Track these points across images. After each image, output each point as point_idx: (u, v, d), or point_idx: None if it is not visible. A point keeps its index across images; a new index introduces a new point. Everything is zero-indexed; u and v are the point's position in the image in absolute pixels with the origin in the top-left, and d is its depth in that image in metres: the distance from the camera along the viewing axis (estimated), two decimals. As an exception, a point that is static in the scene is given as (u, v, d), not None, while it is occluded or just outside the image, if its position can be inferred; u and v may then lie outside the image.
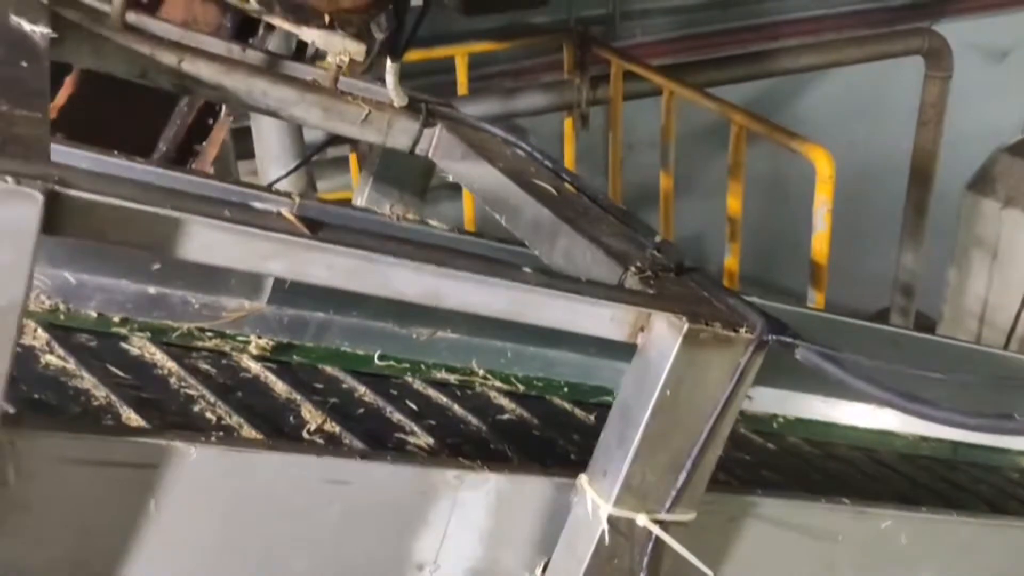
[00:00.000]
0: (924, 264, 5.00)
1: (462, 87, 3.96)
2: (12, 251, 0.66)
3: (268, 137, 2.82)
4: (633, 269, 1.06)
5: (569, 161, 4.28)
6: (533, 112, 4.10)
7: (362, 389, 1.42)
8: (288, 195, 1.60)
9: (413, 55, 3.71)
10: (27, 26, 1.04)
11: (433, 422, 1.36)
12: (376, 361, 1.62)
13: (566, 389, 1.81)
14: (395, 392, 1.46)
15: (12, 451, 0.73)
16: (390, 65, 1.39)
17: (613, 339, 1.00)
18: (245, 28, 1.93)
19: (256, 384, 1.34)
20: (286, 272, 0.82)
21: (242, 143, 3.24)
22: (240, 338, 1.53)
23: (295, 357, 1.54)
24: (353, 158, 3.70)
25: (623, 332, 1.00)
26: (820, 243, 2.72)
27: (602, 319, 0.98)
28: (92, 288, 1.42)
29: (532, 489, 1.06)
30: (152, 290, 1.47)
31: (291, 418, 1.23)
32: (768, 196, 5.24)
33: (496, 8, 3.95)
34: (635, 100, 4.08)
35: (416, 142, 1.50)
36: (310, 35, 1.33)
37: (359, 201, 1.75)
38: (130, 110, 1.87)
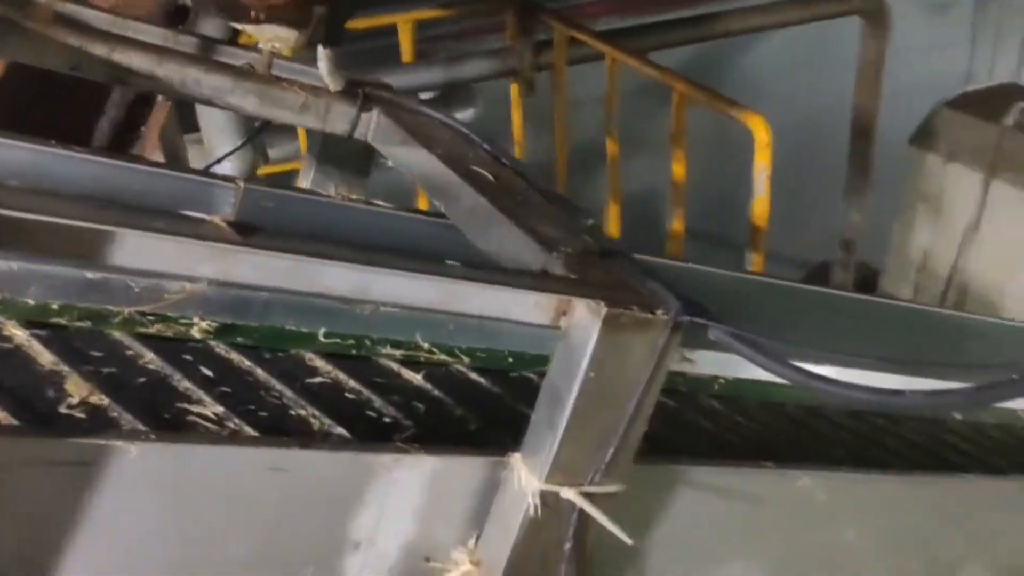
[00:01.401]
0: (869, 217, 5.11)
1: (406, 54, 3.94)
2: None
3: (212, 111, 2.80)
4: (557, 255, 1.11)
5: (517, 127, 4.30)
6: (478, 79, 4.10)
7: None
8: (232, 180, 1.61)
9: (356, 23, 3.68)
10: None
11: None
12: (321, 338, 1.65)
13: (510, 360, 1.86)
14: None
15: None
16: (323, 51, 1.40)
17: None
18: (179, 10, 1.92)
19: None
20: (218, 275, 0.85)
21: (190, 115, 3.21)
22: (183, 320, 1.55)
23: (239, 338, 1.57)
24: (301, 129, 3.68)
25: (547, 317, 1.05)
26: (760, 207, 2.79)
27: (526, 306, 1.03)
28: (29, 275, 1.41)
29: (466, 467, 1.11)
30: (91, 275, 1.47)
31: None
32: (718, 153, 5.31)
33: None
34: (588, 63, 4.11)
35: (354, 127, 1.52)
36: (241, 25, 1.34)
37: (304, 184, 1.78)
38: (67, 94, 1.86)
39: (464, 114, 4.94)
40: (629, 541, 1.07)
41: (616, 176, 3.58)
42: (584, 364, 1.02)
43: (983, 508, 1.60)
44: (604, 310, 1.01)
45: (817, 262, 5.77)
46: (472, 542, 1.15)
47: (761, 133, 2.62)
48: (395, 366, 1.66)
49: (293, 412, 1.29)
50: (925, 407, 0.86)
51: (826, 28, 4.94)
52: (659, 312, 1.04)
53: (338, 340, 1.66)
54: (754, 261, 2.95)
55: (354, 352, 1.65)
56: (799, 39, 5.24)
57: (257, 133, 2.82)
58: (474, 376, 1.71)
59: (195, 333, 1.53)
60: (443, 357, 1.80)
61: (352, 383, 1.46)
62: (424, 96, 4.93)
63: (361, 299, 0.91)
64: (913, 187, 4.84)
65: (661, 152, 3.86)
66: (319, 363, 1.55)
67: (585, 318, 1.03)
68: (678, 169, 3.10)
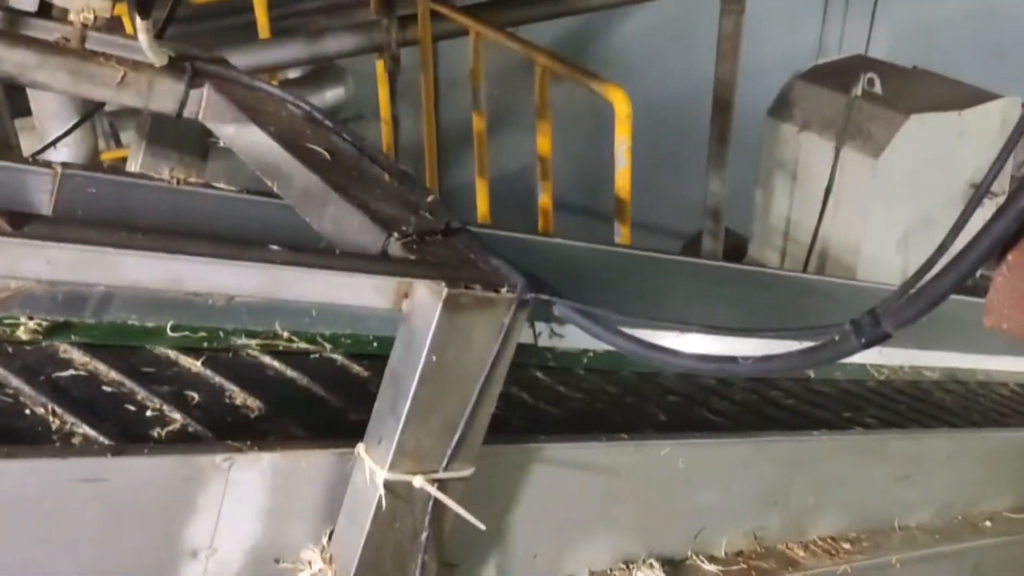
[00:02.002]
0: (735, 187, 5.25)
1: (263, 30, 3.78)
2: None
3: (43, 93, 2.60)
4: (397, 235, 1.06)
5: (384, 103, 4.20)
6: (343, 55, 3.98)
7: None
8: (49, 165, 1.49)
9: (206, -3, 3.50)
10: None
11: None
12: (169, 332, 1.55)
13: (375, 344, 1.80)
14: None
15: None
16: (140, 23, 1.30)
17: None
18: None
19: None
20: (4, 271, 0.77)
21: (23, 100, 2.98)
22: (7, 321, 1.43)
23: (73, 337, 1.46)
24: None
25: (387, 301, 1.00)
26: (623, 179, 2.80)
27: (363, 290, 0.98)
28: None
29: (310, 462, 1.06)
30: None
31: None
32: (590, 126, 5.35)
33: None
34: (456, 38, 4.04)
35: (183, 105, 1.42)
36: (47, -8, 1.22)
37: (133, 167, 1.66)
38: None
39: (334, 92, 4.80)
40: (481, 526, 1.04)
41: (483, 152, 3.54)
42: (426, 347, 0.98)
43: (830, 460, 1.66)
44: (445, 291, 0.97)
45: (690, 234, 5.92)
46: (324, 539, 1.11)
47: (621, 105, 2.63)
48: (252, 356, 1.59)
49: (133, 408, 1.21)
50: (757, 372, 0.86)
51: (689, 4, 5.04)
52: (503, 290, 1.01)
53: (188, 333, 1.57)
54: (622, 233, 2.97)
55: (206, 345, 1.56)
56: (665, 16, 5.32)
57: (88, 115, 2.63)
58: (339, 362, 1.66)
59: (21, 334, 1.42)
60: (304, 345, 1.73)
61: (206, 375, 1.39)
62: (293, 75, 4.76)
63: (175, 289, 0.83)
64: (771, 156, 4.99)
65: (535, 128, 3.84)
66: (171, 354, 1.46)
67: (425, 300, 0.99)
68: (543, 143, 3.09)
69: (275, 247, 0.88)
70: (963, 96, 4.47)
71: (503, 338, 1.02)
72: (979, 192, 0.74)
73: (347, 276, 0.95)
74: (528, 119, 4.58)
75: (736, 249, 5.63)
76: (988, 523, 1.98)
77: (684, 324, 0.97)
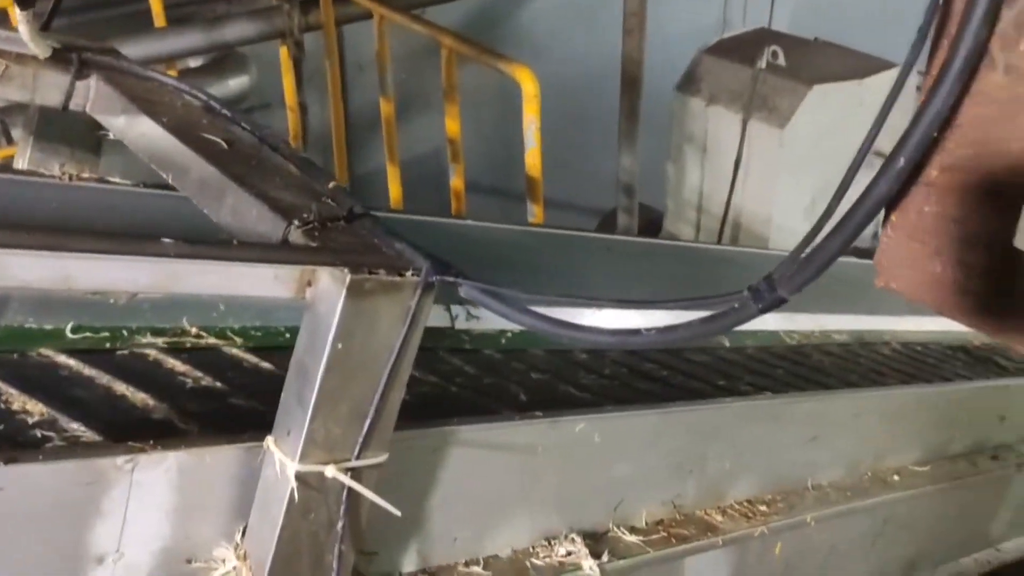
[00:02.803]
0: (648, 162, 5.32)
1: (158, 18, 3.66)
2: None
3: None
4: (298, 222, 1.04)
5: (289, 91, 4.11)
6: (243, 42, 3.87)
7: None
8: (-75, 165, 1.42)
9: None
10: None
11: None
12: (69, 334, 1.50)
13: (287, 335, 1.77)
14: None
15: None
16: (20, 13, 1.24)
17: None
18: None
19: None
20: None
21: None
22: None
23: (-35, 342, 1.39)
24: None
25: (289, 290, 0.98)
26: (533, 159, 2.81)
27: (264, 280, 0.96)
28: None
29: (218, 458, 1.04)
30: None
31: None
32: (501, 107, 5.34)
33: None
34: (361, 21, 3.97)
35: (69, 97, 1.36)
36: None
37: (21, 163, 1.59)
38: None
39: (238, 81, 4.68)
40: (397, 512, 1.04)
41: (392, 137, 3.50)
42: (331, 335, 0.97)
43: (742, 425, 1.70)
44: (348, 277, 0.96)
45: (606, 210, 5.98)
46: (238, 536, 1.08)
47: (528, 85, 2.63)
48: (158, 355, 1.55)
49: (28, 414, 1.16)
50: (660, 343, 0.87)
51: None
52: (408, 274, 1.00)
53: (89, 334, 1.51)
54: (535, 212, 2.98)
55: (109, 346, 1.51)
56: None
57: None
58: (250, 357, 1.63)
59: (-94, 342, 1.34)
60: (213, 340, 1.69)
61: (108, 377, 1.34)
62: (194, 64, 4.62)
63: (64, 288, 0.80)
64: (680, 131, 5.07)
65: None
66: (62, 359, 1.42)
67: (329, 287, 0.97)
68: (452, 126, 3.07)
69: (168, 240, 0.85)
70: (863, 66, 4.60)
71: (410, 322, 1.01)
72: (858, 158, 0.76)
73: (246, 266, 0.93)
74: (439, 102, 4.56)
75: (651, 223, 5.71)
76: (896, 477, 2.06)
77: (590, 299, 0.98)
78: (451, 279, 1.00)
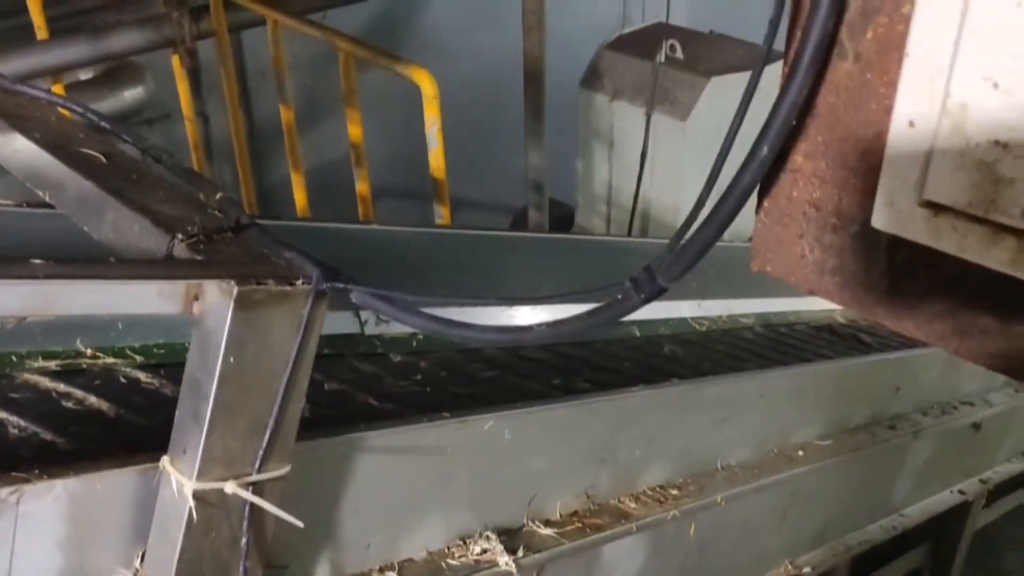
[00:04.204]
0: (559, 157, 5.36)
1: (40, 30, 3.52)
2: None
3: None
4: (182, 236, 1.02)
5: (185, 101, 4.01)
6: (132, 52, 3.75)
7: None
8: None
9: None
10: None
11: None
12: (-48, 361, 1.44)
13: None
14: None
15: None
16: None
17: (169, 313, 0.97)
18: None
19: None
20: None
21: None
22: None
23: None
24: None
25: (175, 305, 0.96)
26: (436, 160, 2.81)
27: (148, 297, 0.94)
28: None
29: (111, 483, 1.01)
30: None
31: None
32: (406, 110, 5.30)
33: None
34: (257, 27, 3.90)
35: (-65, 116, 1.30)
36: None
37: None
38: None
39: (133, 92, 4.54)
40: (299, 524, 1.03)
41: (295, 144, 3.45)
42: (222, 349, 0.95)
43: (651, 413, 1.73)
44: (235, 289, 0.94)
45: (519, 208, 6.01)
46: (137, 561, 1.06)
47: (427, 87, 2.62)
48: (47, 380, 1.50)
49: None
50: (551, 337, 0.89)
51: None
52: (298, 282, 0.99)
53: (-30, 361, 1.46)
54: (442, 214, 2.98)
55: (-5, 372, 1.45)
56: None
57: None
58: (150, 375, 1.59)
59: None
60: (111, 361, 1.64)
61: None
62: (84, 77, 4.46)
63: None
64: (587, 126, 5.14)
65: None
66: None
67: (216, 300, 0.96)
68: (354, 130, 3.04)
69: (37, 261, 0.83)
70: (758, 56, 4.73)
71: (303, 331, 1.00)
72: (725, 147, 0.79)
73: (127, 284, 0.91)
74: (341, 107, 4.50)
75: (563, 218, 5.77)
76: (801, 453, 2.13)
77: (476, 298, 0.99)
78: (341, 285, 1.00)
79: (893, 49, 0.69)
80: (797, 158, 0.83)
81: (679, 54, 4.78)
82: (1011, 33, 0.61)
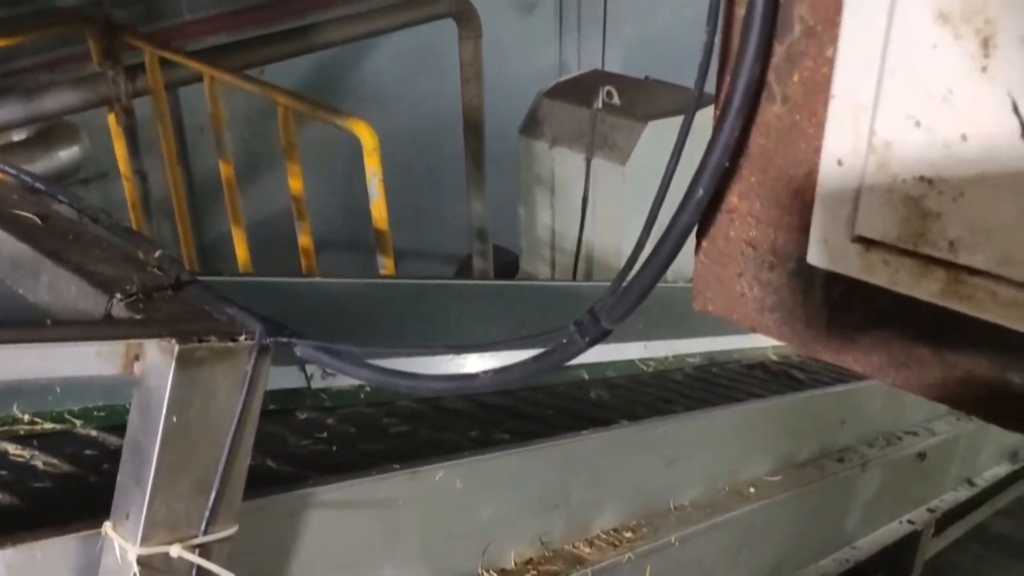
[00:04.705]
0: (503, 203, 5.40)
1: (-32, 90, 3.46)
2: None
3: None
4: (120, 295, 1.00)
5: (122, 159, 3.96)
6: (67, 111, 3.71)
7: None
8: None
9: None
10: None
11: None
12: None
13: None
14: None
15: None
16: None
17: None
18: None
19: None
20: None
21: None
22: None
23: None
24: None
25: (115, 366, 0.94)
26: (379, 211, 2.81)
27: (85, 358, 0.91)
28: None
29: (50, 551, 0.97)
30: None
31: None
32: (349, 161, 5.31)
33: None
34: (194, 84, 3.88)
35: None
36: None
37: None
38: None
39: (69, 152, 4.48)
40: (248, 585, 1.00)
41: (235, 199, 3.43)
42: (164, 409, 0.93)
43: (602, 456, 1.73)
44: (176, 347, 0.93)
45: (464, 255, 6.04)
46: (79, 633, 1.02)
47: (367, 139, 2.64)
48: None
49: None
50: (498, 384, 0.89)
51: (431, 32, 5.14)
52: (241, 338, 0.98)
53: None
54: (386, 264, 2.97)
55: None
56: (410, 45, 5.39)
57: None
58: (90, 439, 1.54)
59: None
60: (50, 426, 1.60)
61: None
62: (17, 138, 4.38)
63: None
64: (528, 173, 5.20)
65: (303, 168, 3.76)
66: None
67: (157, 359, 0.94)
68: (295, 184, 3.03)
69: (-34, 326, 0.80)
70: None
71: (247, 387, 0.99)
72: (661, 190, 0.81)
73: (63, 347, 0.89)
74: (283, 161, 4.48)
75: (508, 264, 5.80)
76: (752, 490, 2.15)
77: (424, 347, 0.98)
78: (285, 340, 0.99)
79: (819, 91, 0.72)
80: (732, 199, 0.85)
81: (616, 100, 4.88)
82: (928, 73, 0.64)
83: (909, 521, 2.83)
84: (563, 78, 5.44)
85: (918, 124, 0.65)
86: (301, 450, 1.59)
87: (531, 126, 5.14)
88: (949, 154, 0.64)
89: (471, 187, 4.66)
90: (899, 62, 0.66)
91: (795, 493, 2.19)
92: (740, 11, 0.77)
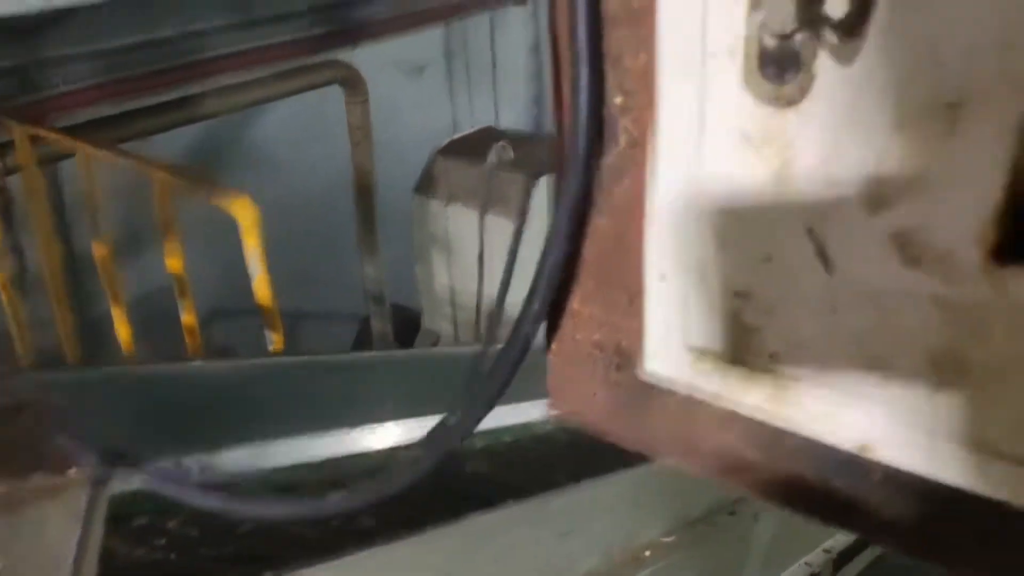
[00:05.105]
0: (402, 262, 5.36)
1: None
2: None
3: None
4: (-62, 432, 0.93)
5: (-7, 241, 3.78)
6: (-71, 194, 3.52)
7: None
8: None
9: None
10: None
11: None
12: None
13: None
14: None
15: None
16: None
17: None
18: None
19: None
20: None
21: None
22: None
23: None
24: None
25: (-71, 513, 0.87)
26: (261, 287, 2.74)
27: None
28: None
29: None
30: None
31: None
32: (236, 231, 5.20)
33: None
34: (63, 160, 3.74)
35: None
36: None
37: None
38: None
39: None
40: None
41: (111, 278, 3.30)
42: (-15, 556, 0.86)
43: (494, 535, 1.70)
44: (-2, 487, 0.86)
45: (365, 316, 5.95)
46: None
47: (245, 215, 2.57)
48: None
49: None
50: (347, 507, 0.84)
51: (320, 98, 5.12)
52: (71, 472, 0.92)
53: None
54: (274, 340, 2.89)
55: None
56: (299, 110, 5.35)
57: None
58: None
59: None
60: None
61: None
62: None
63: None
64: (423, 231, 5.19)
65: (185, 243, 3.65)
66: None
67: (-25, 501, 0.87)
68: (173, 262, 2.94)
69: None
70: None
71: (84, 524, 0.93)
72: (510, 260, 0.80)
73: None
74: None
75: (410, 322, 5.75)
76: (647, 553, 2.14)
77: (314, 429, 0.93)
78: (126, 470, 0.93)
79: (637, 206, 0.72)
80: (575, 304, 0.85)
81: (509, 155, 4.93)
82: (733, 192, 0.65)
83: (807, 563, 2.86)
84: (457, 135, 5.48)
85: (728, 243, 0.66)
86: (135, 561, 1.47)
87: (426, 184, 5.15)
88: (758, 272, 0.64)
89: (363, 251, 4.62)
90: (707, 180, 0.66)
91: (690, 552, 2.20)
92: (567, 119, 0.77)
